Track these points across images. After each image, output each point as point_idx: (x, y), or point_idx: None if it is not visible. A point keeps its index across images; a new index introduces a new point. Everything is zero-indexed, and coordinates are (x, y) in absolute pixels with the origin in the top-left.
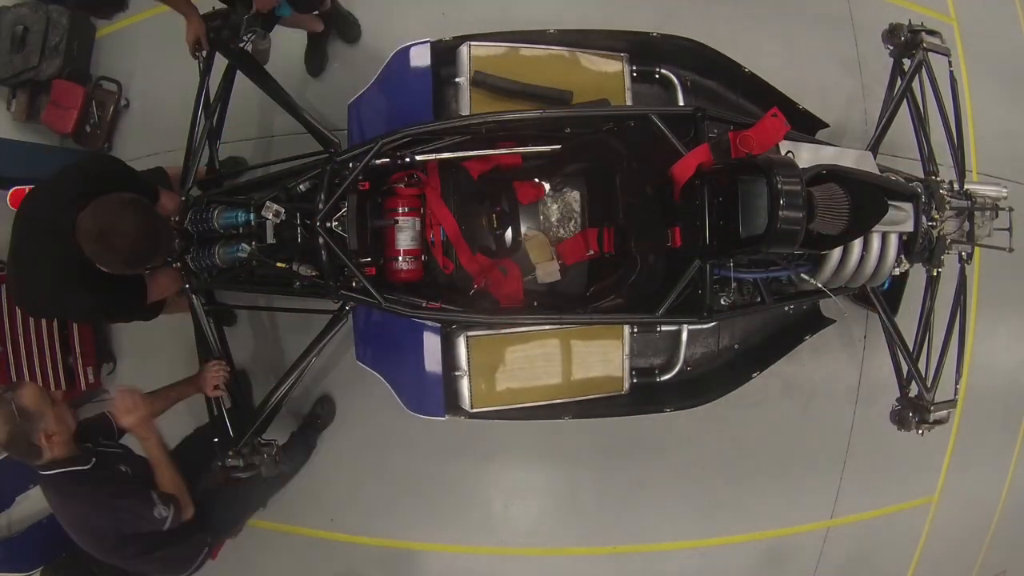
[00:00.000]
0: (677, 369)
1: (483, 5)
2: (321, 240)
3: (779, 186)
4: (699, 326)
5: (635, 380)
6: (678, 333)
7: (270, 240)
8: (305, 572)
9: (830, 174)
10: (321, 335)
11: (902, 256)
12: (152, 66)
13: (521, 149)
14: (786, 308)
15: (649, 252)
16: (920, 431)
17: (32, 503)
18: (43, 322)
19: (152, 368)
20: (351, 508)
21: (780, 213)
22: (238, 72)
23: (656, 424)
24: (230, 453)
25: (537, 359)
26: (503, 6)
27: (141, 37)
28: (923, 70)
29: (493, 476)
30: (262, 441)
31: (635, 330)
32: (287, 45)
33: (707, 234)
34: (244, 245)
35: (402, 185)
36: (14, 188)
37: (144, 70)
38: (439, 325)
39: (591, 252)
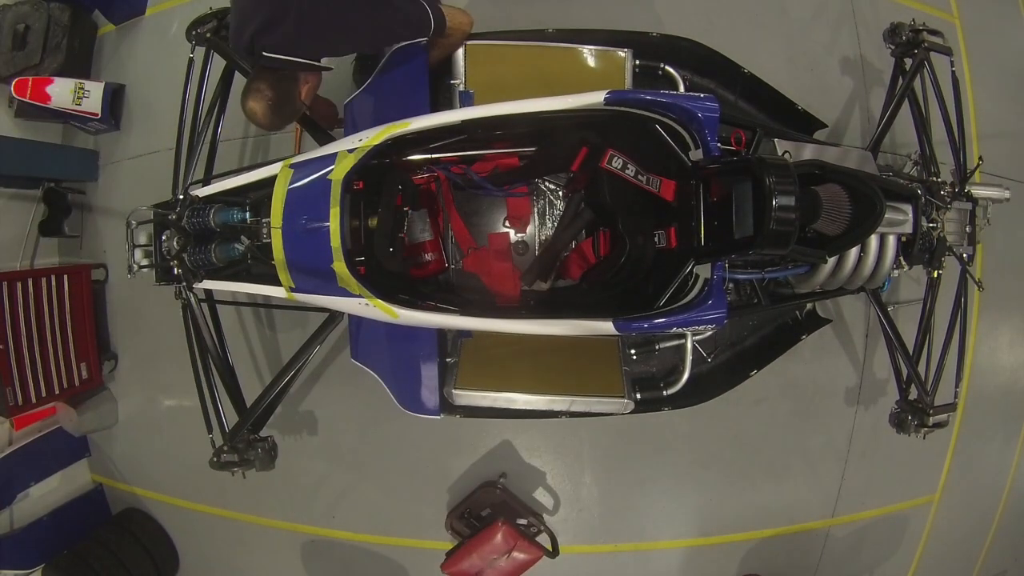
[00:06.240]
0: (683, 382)
1: (484, 4)
2: None
3: (771, 187)
4: None
5: (638, 396)
6: (682, 348)
7: (265, 239)
8: (306, 569)
9: (824, 172)
10: (318, 332)
11: (901, 258)
12: (153, 63)
13: (516, 149)
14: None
15: (637, 233)
16: (919, 435)
17: (33, 501)
18: (44, 320)
19: (152, 366)
20: (352, 505)
21: (772, 214)
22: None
23: (657, 423)
24: (224, 448)
25: (531, 356)
26: (504, 5)
27: (142, 35)
28: (925, 69)
29: (494, 474)
30: (257, 437)
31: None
32: None
33: (702, 235)
34: (239, 243)
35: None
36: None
37: (145, 67)
38: None
39: (589, 263)
